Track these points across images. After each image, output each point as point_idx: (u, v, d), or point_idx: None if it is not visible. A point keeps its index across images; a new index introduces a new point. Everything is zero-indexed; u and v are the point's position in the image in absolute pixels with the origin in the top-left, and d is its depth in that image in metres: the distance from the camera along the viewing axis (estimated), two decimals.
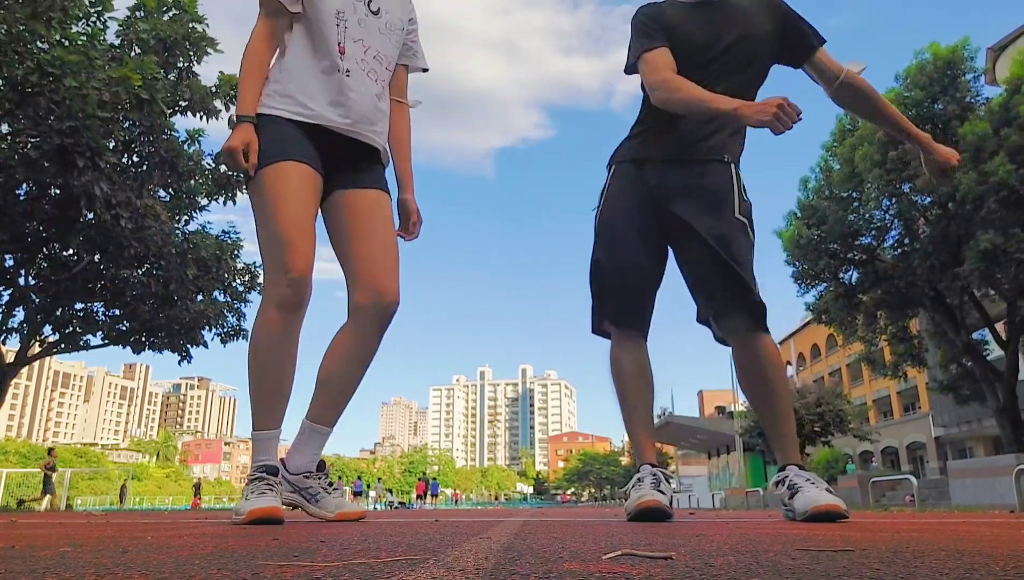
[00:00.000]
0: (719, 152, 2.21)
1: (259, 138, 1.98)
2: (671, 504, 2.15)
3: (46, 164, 9.04)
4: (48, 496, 15.64)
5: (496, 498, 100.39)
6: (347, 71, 2.07)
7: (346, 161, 2.12)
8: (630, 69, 2.29)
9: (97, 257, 11.96)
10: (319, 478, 2.12)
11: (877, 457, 39.68)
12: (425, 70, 2.40)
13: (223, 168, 12.20)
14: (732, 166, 2.24)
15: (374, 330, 2.12)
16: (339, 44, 2.07)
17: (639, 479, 2.14)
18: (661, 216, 2.20)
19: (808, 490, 1.98)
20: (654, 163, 2.23)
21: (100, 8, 9.71)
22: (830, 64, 2.27)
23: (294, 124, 2.02)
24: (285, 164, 1.97)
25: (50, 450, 18.11)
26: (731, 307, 2.16)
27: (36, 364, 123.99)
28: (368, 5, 2.14)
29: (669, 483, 2.18)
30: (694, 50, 2.19)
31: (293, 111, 2.03)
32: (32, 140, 8.61)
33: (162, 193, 12.02)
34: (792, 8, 2.30)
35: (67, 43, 8.42)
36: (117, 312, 13.30)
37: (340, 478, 51.58)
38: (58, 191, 10.31)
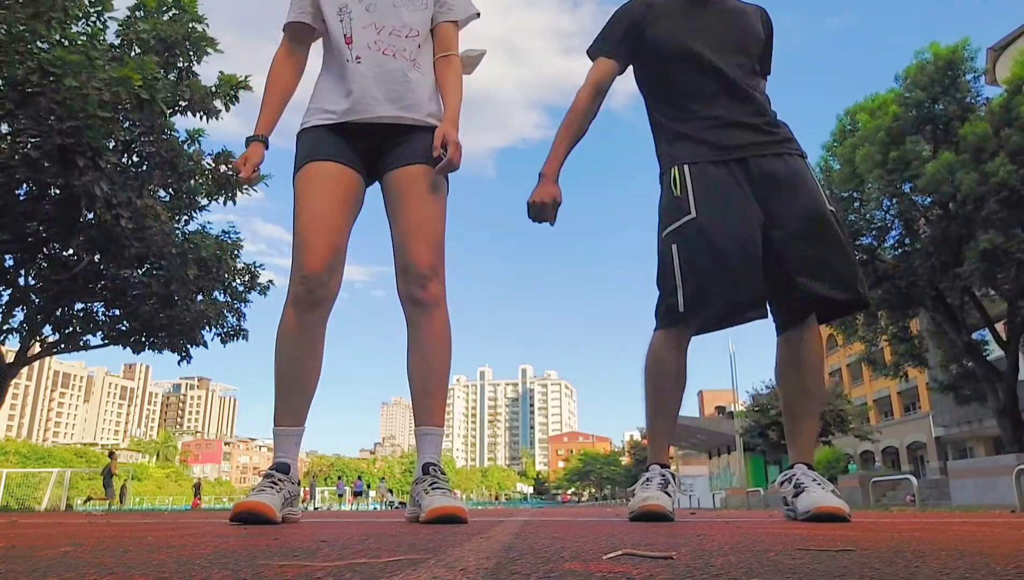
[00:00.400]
0: (797, 147, 2.20)
1: (296, 153, 2.07)
2: (677, 504, 2.17)
3: (46, 164, 9.04)
4: (112, 496, 15.77)
5: (496, 498, 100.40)
6: (356, 58, 2.06)
7: (388, 143, 2.08)
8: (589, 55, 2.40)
9: (97, 257, 11.96)
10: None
11: (878, 457, 39.68)
12: (476, 15, 2.30)
13: (223, 168, 12.21)
14: (807, 161, 2.22)
15: (416, 312, 2.02)
16: (345, 36, 2.09)
17: (648, 479, 2.14)
18: (757, 205, 2.08)
19: (814, 490, 1.97)
20: (745, 153, 2.13)
21: (100, 8, 9.71)
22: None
23: (324, 129, 2.06)
24: (309, 165, 2.03)
25: (111, 453, 18.08)
26: (849, 288, 2.05)
27: (36, 364, 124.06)
28: None
29: (676, 484, 2.17)
30: (689, 36, 2.23)
31: (319, 119, 2.08)
32: (33, 140, 8.61)
33: (162, 193, 12.03)
34: (772, 29, 2.38)
35: (67, 43, 8.42)
36: (117, 312, 13.30)
37: (340, 478, 51.44)
38: (58, 191, 10.31)
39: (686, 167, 2.15)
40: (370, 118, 2.04)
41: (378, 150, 2.08)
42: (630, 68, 2.40)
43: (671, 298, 2.08)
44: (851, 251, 2.11)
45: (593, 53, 2.38)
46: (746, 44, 2.27)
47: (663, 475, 2.14)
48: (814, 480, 2.01)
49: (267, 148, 2.14)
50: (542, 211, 2.30)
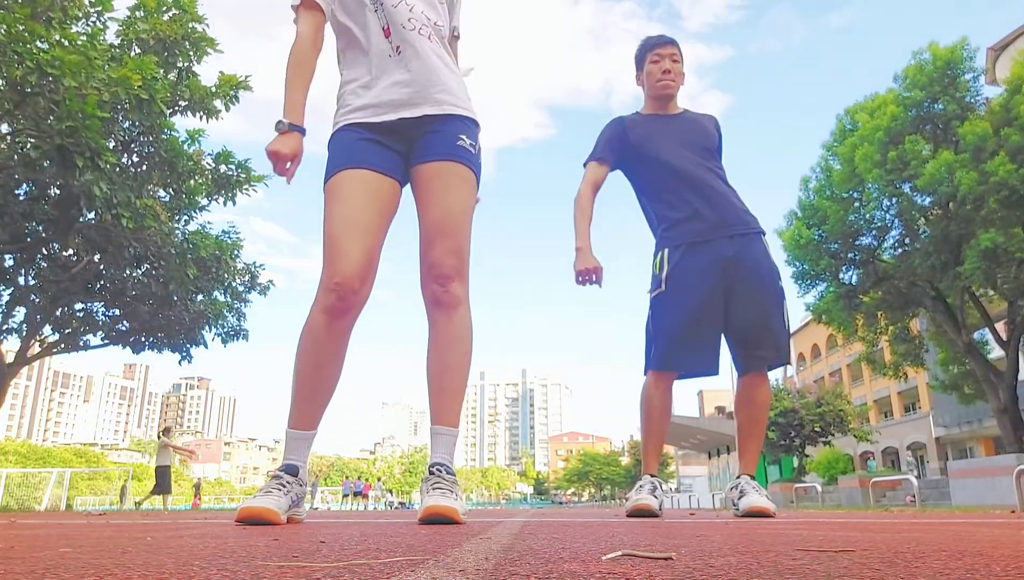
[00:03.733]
0: (757, 227, 2.85)
1: (328, 156, 2.05)
2: (664, 505, 2.83)
3: (46, 164, 9.04)
4: (164, 495, 15.15)
5: (498, 498, 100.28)
6: (397, 49, 2.03)
7: (421, 131, 2.03)
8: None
9: (97, 257, 11.95)
10: None
11: (878, 457, 39.68)
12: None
13: (223, 168, 12.20)
14: (763, 237, 2.87)
15: (437, 311, 2.00)
16: (384, 28, 2.04)
17: (640, 485, 2.81)
18: (721, 282, 2.76)
19: (751, 495, 2.72)
20: (714, 240, 2.78)
21: (100, 8, 9.71)
22: None
23: (357, 129, 2.02)
24: (338, 175, 1.99)
25: (167, 429, 16.52)
26: (768, 360, 2.82)
27: (36, 364, 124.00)
28: None
29: (663, 490, 2.86)
30: (668, 145, 2.88)
31: (350, 117, 2.04)
32: (32, 140, 8.61)
33: (162, 193, 12.02)
34: (718, 128, 3.04)
35: (67, 43, 8.41)
36: (117, 312, 13.30)
37: (347, 478, 51.44)
38: (58, 191, 10.31)
39: (666, 251, 2.86)
40: (414, 113, 2.00)
41: (412, 140, 2.05)
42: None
43: (648, 352, 2.87)
44: (786, 321, 2.82)
45: (587, 162, 3.04)
46: (705, 144, 2.91)
47: (652, 482, 2.81)
48: (753, 488, 2.76)
49: (304, 136, 2.06)
50: (589, 278, 2.89)
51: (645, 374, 2.91)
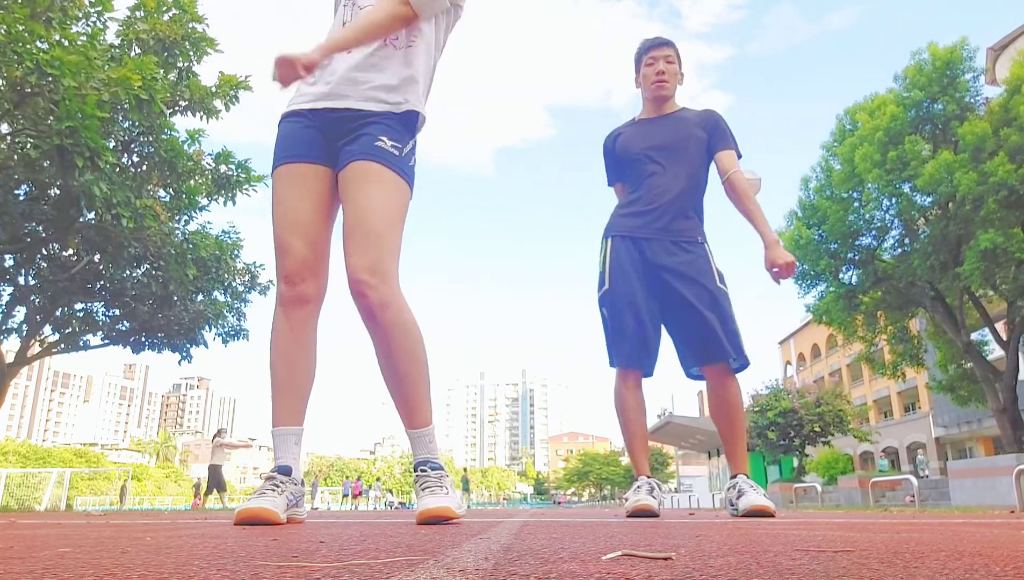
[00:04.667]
0: (694, 235, 2.88)
1: (275, 142, 2.09)
2: (662, 505, 2.85)
3: (45, 164, 9.04)
4: (220, 492, 15.35)
5: (498, 498, 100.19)
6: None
7: (349, 131, 2.02)
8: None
9: (97, 257, 11.95)
10: None
11: (878, 457, 39.67)
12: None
13: (223, 168, 12.19)
14: (706, 246, 2.91)
15: (366, 320, 1.94)
16: (344, 23, 2.10)
17: (638, 486, 2.82)
18: (656, 283, 2.84)
19: (750, 494, 2.70)
20: (649, 241, 2.86)
21: (100, 8, 9.70)
22: (725, 163, 2.97)
23: (300, 117, 2.06)
24: (276, 172, 2.07)
25: (220, 430, 16.32)
26: (715, 359, 2.81)
27: (36, 364, 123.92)
28: None
29: (660, 490, 2.86)
30: (645, 144, 2.97)
31: (296, 101, 2.09)
32: (31, 140, 8.61)
33: (162, 193, 12.01)
34: (720, 119, 3.02)
35: (66, 43, 8.40)
36: (117, 312, 13.29)
37: (348, 478, 51.44)
38: (57, 191, 10.30)
39: (608, 241, 2.94)
40: (337, 104, 2.01)
41: (340, 139, 2.03)
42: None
43: (608, 348, 2.90)
44: (727, 324, 2.79)
45: (609, 185, 3.22)
46: (682, 145, 2.93)
47: (649, 483, 2.81)
48: (751, 487, 2.74)
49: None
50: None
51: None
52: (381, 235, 1.92)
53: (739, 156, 3.01)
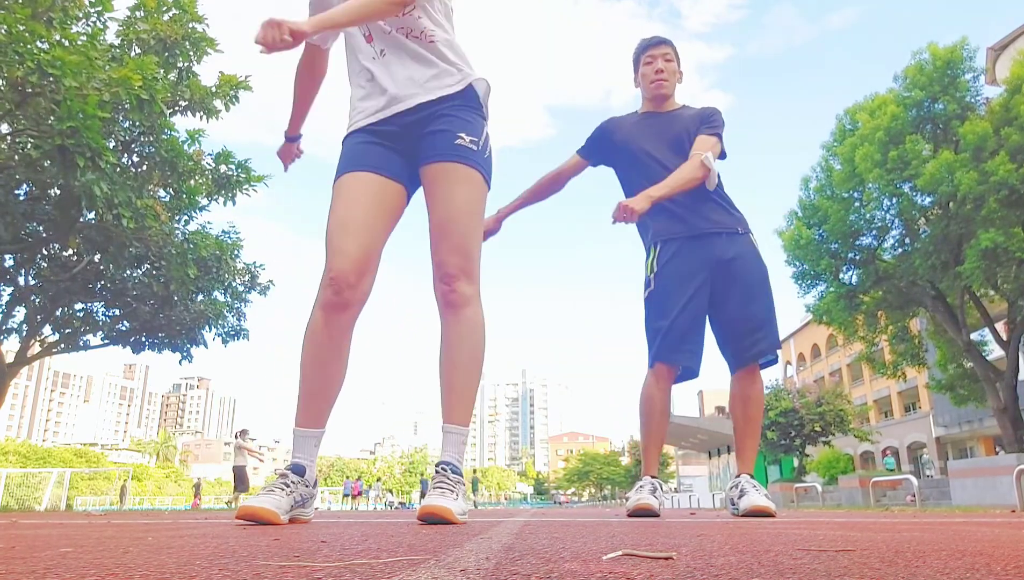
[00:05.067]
0: (735, 225, 2.91)
1: (338, 161, 2.14)
2: (663, 505, 2.86)
3: (46, 164, 9.03)
4: (244, 493, 15.32)
5: (498, 498, 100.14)
6: (381, 52, 2.08)
7: (421, 129, 2.05)
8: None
9: (97, 257, 11.95)
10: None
11: (878, 456, 39.65)
12: None
13: (223, 168, 12.19)
14: (751, 236, 2.93)
15: (445, 310, 2.02)
16: (365, 35, 2.11)
17: (640, 486, 2.84)
18: (707, 279, 2.84)
19: (751, 494, 2.71)
20: (702, 237, 2.86)
21: (100, 8, 9.70)
22: (697, 145, 2.93)
23: (364, 133, 2.09)
24: (340, 178, 2.07)
25: (243, 431, 16.26)
26: (762, 352, 2.85)
27: (36, 364, 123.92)
28: None
29: (663, 491, 2.88)
30: (647, 142, 2.96)
31: (359, 120, 2.11)
32: (32, 140, 8.61)
33: (162, 193, 12.01)
34: (715, 112, 3.01)
35: (67, 43, 8.40)
36: (117, 312, 13.29)
37: (348, 478, 51.43)
38: (58, 191, 10.30)
39: (658, 245, 2.93)
40: (408, 105, 2.04)
41: (416, 141, 2.06)
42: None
43: (650, 347, 2.90)
44: (775, 314, 2.87)
45: (576, 152, 3.17)
46: (685, 142, 2.91)
47: (652, 483, 2.83)
48: (753, 487, 2.75)
49: (295, 142, 2.40)
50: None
51: (648, 371, 2.94)
52: (469, 237, 2.02)
53: (723, 155, 2.99)
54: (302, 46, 2.11)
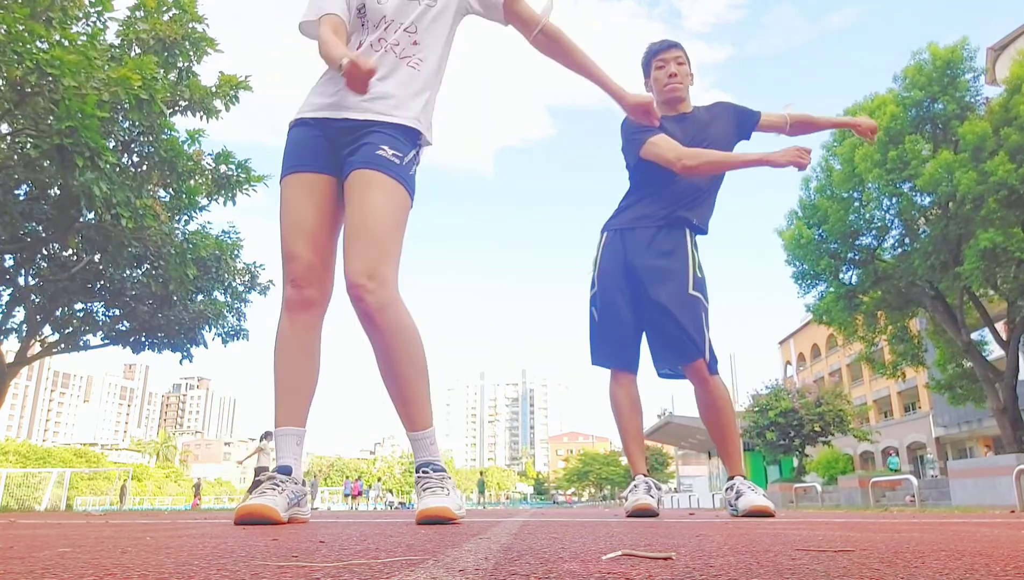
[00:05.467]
0: (681, 236, 2.86)
1: (284, 149, 2.14)
2: (660, 504, 2.85)
3: (46, 164, 9.03)
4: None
5: (498, 498, 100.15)
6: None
7: (349, 142, 2.06)
8: (636, 157, 2.93)
9: (97, 257, 11.95)
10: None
11: (878, 457, 39.68)
12: None
13: (223, 168, 12.20)
14: (686, 232, 2.89)
15: (364, 323, 1.95)
16: (360, 42, 2.13)
17: (635, 486, 2.83)
18: (634, 282, 2.85)
19: (749, 494, 2.70)
20: (633, 231, 2.88)
21: (100, 8, 9.71)
22: (773, 122, 3.06)
23: (308, 126, 2.10)
24: (284, 181, 2.11)
25: (267, 433, 16.26)
26: (689, 358, 2.80)
27: (36, 364, 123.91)
28: None
29: (659, 489, 2.85)
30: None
31: (304, 110, 2.13)
32: (31, 140, 8.61)
33: (162, 193, 12.01)
34: (734, 105, 3.06)
35: (66, 43, 8.40)
36: (117, 312, 13.30)
37: (347, 478, 51.42)
38: (58, 191, 10.30)
39: (603, 238, 2.96)
40: (337, 115, 2.06)
41: (344, 147, 2.07)
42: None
43: (591, 346, 2.95)
44: (700, 325, 2.79)
45: (651, 134, 2.96)
46: (707, 144, 2.88)
47: (647, 482, 2.82)
48: (749, 487, 2.75)
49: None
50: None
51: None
52: (380, 240, 1.94)
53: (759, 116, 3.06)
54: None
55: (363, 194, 1.97)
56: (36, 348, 13.65)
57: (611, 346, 2.88)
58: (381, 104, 2.06)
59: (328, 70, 2.15)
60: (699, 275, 2.87)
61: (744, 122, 3.04)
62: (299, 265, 2.02)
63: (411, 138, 2.09)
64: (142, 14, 11.08)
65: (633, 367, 2.90)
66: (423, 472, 1.96)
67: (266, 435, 14.89)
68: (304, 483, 2.07)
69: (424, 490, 1.92)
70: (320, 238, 2.05)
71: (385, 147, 2.01)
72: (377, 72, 1.99)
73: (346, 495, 33.06)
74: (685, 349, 2.79)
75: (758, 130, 3.06)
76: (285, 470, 1.96)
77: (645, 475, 2.86)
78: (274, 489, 1.90)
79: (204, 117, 11.69)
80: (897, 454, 38.48)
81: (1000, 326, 17.49)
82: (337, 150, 2.09)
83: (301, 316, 2.04)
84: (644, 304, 2.85)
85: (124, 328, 13.45)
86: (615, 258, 2.90)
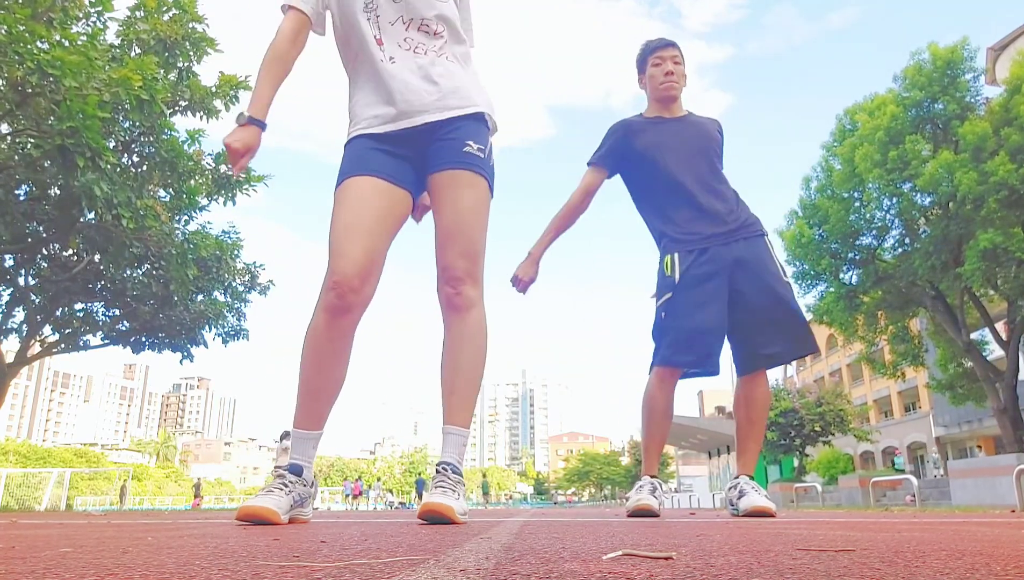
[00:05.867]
0: (757, 228, 2.91)
1: (340, 165, 2.10)
2: (663, 505, 2.86)
3: (46, 164, 9.04)
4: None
5: (498, 498, 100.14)
6: (391, 59, 2.03)
7: (431, 138, 2.05)
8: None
9: (97, 257, 11.95)
10: None
11: (878, 457, 39.67)
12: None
13: (223, 168, 12.20)
14: (766, 238, 2.92)
15: (449, 313, 2.02)
16: (376, 38, 2.05)
17: (640, 486, 2.84)
18: (731, 283, 2.81)
19: (751, 495, 2.71)
20: (724, 244, 2.84)
21: (100, 8, 9.71)
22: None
23: (369, 139, 2.05)
24: (345, 182, 2.04)
25: (286, 433, 16.24)
26: (782, 355, 2.86)
27: (36, 364, 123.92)
28: None
29: (663, 491, 2.89)
30: (671, 152, 2.92)
31: (365, 126, 2.06)
32: (32, 140, 8.61)
33: (162, 193, 12.01)
34: (720, 134, 3.06)
35: (67, 44, 8.40)
36: (117, 312, 13.30)
37: (347, 478, 51.40)
38: (58, 191, 10.30)
39: (677, 255, 2.86)
40: (416, 122, 2.02)
41: (424, 149, 2.06)
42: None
43: (656, 351, 2.88)
44: (800, 313, 2.85)
45: (589, 163, 3.09)
46: (709, 149, 2.94)
47: (652, 483, 2.84)
48: (752, 488, 2.76)
49: (264, 130, 2.06)
50: (518, 284, 3.00)
51: (650, 372, 2.91)
52: (475, 242, 2.03)
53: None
54: (292, 18, 2.09)
55: (457, 193, 2.02)
56: (36, 348, 13.66)
57: (697, 347, 2.78)
58: (454, 98, 2.05)
59: (368, 76, 2.07)
60: (782, 263, 2.94)
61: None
62: (347, 263, 1.93)
63: (487, 126, 2.12)
64: (142, 14, 11.08)
65: (715, 368, 2.85)
66: (442, 469, 1.95)
67: (286, 435, 15.01)
68: (314, 485, 2.07)
69: (436, 487, 1.92)
70: (374, 241, 1.99)
71: (471, 142, 2.03)
72: (427, 69, 2.02)
73: (346, 495, 33.08)
74: (803, 340, 2.81)
75: None
76: (296, 470, 1.97)
77: (653, 476, 2.87)
78: (282, 489, 1.91)
79: (204, 117, 11.69)
80: (901, 454, 38.48)
81: (1000, 326, 17.48)
82: (408, 153, 2.05)
83: (340, 320, 1.97)
84: (743, 303, 2.80)
85: (124, 328, 13.45)
86: (704, 264, 2.82)
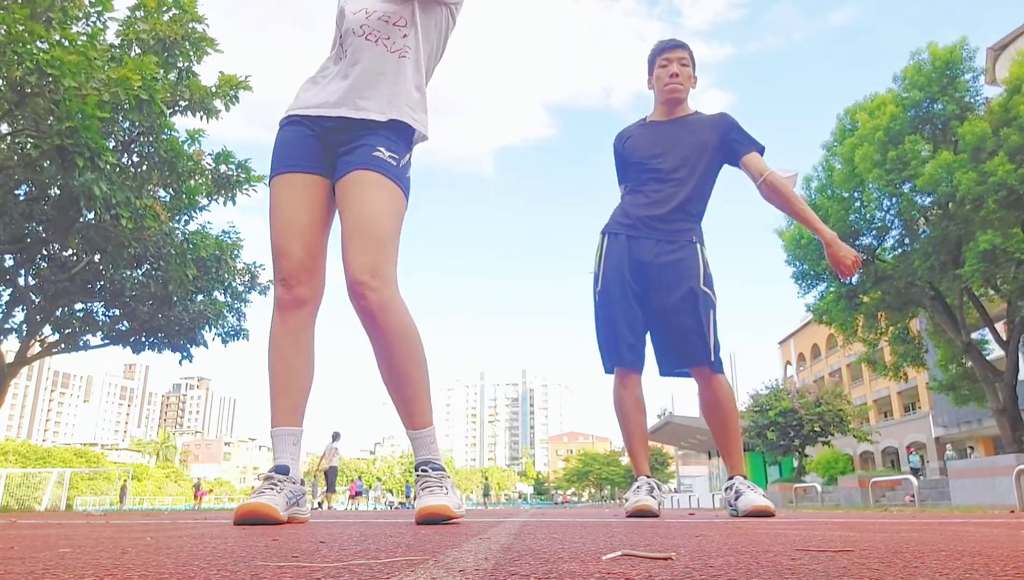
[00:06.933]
0: (688, 235, 2.87)
1: (273, 148, 2.15)
2: (662, 505, 2.85)
3: (46, 164, 9.04)
4: (331, 494, 15.63)
5: (497, 498, 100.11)
6: (345, 51, 2.09)
7: (342, 142, 2.05)
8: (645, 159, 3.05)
9: (97, 257, 11.95)
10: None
11: (878, 457, 39.68)
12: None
13: (223, 168, 12.20)
14: (699, 246, 2.89)
15: (365, 321, 1.94)
16: (343, 33, 2.11)
17: (637, 486, 2.82)
18: (643, 282, 2.85)
19: (748, 495, 2.69)
20: (638, 239, 2.87)
21: (100, 8, 9.71)
22: (756, 166, 2.91)
23: (298, 125, 2.10)
24: (274, 181, 2.11)
25: (335, 434, 16.29)
26: (696, 362, 2.82)
27: (36, 364, 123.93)
28: None
29: (660, 490, 2.86)
30: (655, 154, 2.95)
31: (294, 108, 2.12)
32: (31, 140, 8.62)
33: (162, 193, 12.01)
34: (734, 124, 2.98)
35: (66, 43, 8.40)
36: (117, 312, 13.30)
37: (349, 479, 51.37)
38: (58, 191, 10.31)
39: (605, 237, 2.96)
40: (337, 113, 2.04)
41: (337, 147, 2.06)
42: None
43: (601, 353, 2.94)
44: (707, 328, 2.78)
45: (620, 184, 3.17)
46: (689, 156, 2.90)
47: (649, 483, 2.82)
48: (748, 487, 2.74)
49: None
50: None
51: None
52: (380, 239, 1.94)
53: (762, 151, 2.94)
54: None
55: (361, 194, 1.97)
56: (36, 348, 13.66)
57: (623, 347, 2.85)
58: (376, 102, 2.04)
59: (323, 67, 2.15)
60: (708, 271, 2.88)
61: (734, 146, 2.94)
62: (290, 263, 2.01)
63: (406, 137, 2.09)
64: (142, 14, 11.08)
65: (638, 367, 2.88)
66: (422, 471, 1.96)
67: (335, 436, 15.25)
68: (303, 483, 2.07)
69: (423, 489, 1.92)
70: (311, 237, 2.05)
71: (382, 149, 2.01)
72: (369, 65, 2.04)
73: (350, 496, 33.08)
74: (694, 352, 2.79)
75: (739, 166, 2.95)
76: (283, 470, 1.96)
77: (648, 476, 2.87)
78: (272, 489, 1.90)
79: (204, 117, 11.69)
80: (897, 454, 38.51)
81: (1000, 326, 17.49)
82: (329, 148, 2.07)
83: (293, 315, 2.03)
84: (653, 304, 2.84)
85: (124, 328, 13.45)
86: (620, 255, 2.89)
